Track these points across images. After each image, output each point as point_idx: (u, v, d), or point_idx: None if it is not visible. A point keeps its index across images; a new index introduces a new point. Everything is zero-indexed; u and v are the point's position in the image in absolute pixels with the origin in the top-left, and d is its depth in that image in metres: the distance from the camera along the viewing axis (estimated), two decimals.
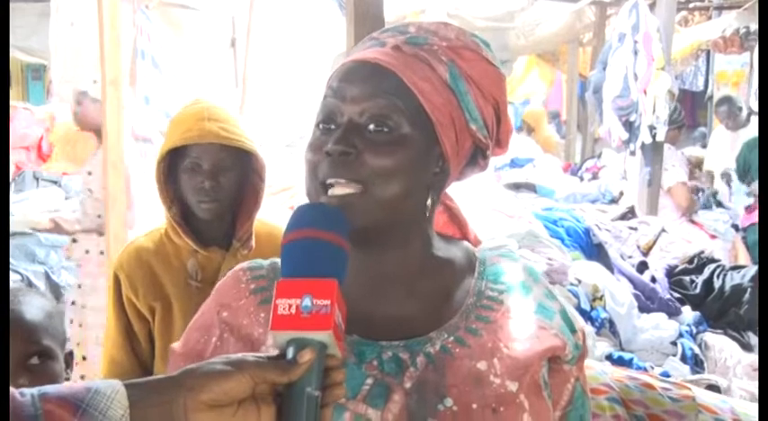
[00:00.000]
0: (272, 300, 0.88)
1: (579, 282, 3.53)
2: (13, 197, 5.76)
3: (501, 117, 1.12)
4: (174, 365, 1.10)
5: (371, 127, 1.03)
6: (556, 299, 1.15)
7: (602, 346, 3.35)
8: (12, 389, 0.78)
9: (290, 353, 0.86)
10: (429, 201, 1.08)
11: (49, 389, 0.79)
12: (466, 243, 1.19)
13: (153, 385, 0.84)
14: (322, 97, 1.08)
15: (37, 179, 6.17)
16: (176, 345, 1.16)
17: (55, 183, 6.09)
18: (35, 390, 0.78)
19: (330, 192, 1.02)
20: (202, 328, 1.14)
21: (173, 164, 2.08)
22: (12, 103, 7.75)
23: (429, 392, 1.03)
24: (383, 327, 1.07)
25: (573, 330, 1.13)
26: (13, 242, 4.82)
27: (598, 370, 1.98)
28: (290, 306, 0.87)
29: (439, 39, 1.08)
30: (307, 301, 0.86)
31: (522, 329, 1.09)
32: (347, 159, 1.01)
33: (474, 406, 1.02)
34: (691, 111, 11.27)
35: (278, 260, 1.15)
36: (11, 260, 4.66)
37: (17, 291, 1.61)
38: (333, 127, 1.05)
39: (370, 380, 1.03)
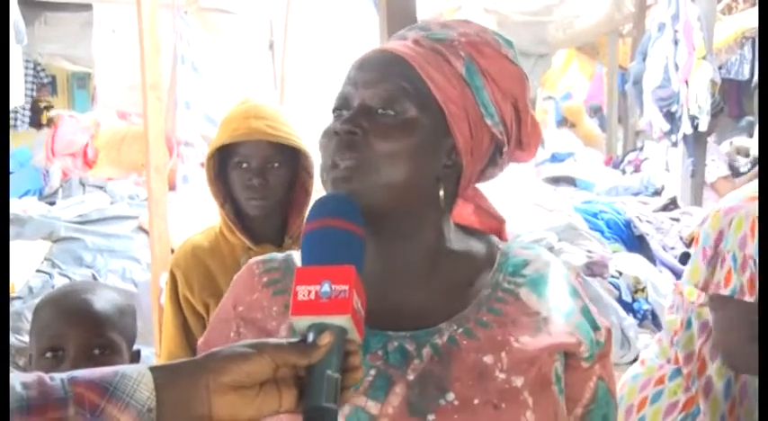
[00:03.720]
0: (284, 292, 0.90)
1: (620, 274, 3.51)
2: (60, 203, 5.89)
3: (522, 116, 1.12)
4: None
5: (380, 110, 1.04)
6: (578, 296, 1.13)
7: (644, 338, 3.32)
8: (41, 374, 0.80)
9: (311, 336, 0.88)
10: (441, 193, 1.08)
11: (78, 373, 0.82)
12: (491, 236, 1.18)
13: (177, 368, 0.86)
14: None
15: (83, 185, 6.28)
16: (200, 341, 1.20)
17: (101, 188, 6.20)
18: (65, 375, 0.81)
19: (335, 171, 1.04)
20: (221, 322, 1.16)
21: (223, 162, 2.13)
22: (58, 111, 7.92)
23: (431, 385, 1.03)
24: (391, 317, 1.07)
25: (595, 328, 1.11)
26: (60, 246, 4.93)
27: None
28: (310, 292, 0.89)
29: (458, 34, 1.09)
30: (326, 287, 0.89)
31: (534, 324, 1.07)
32: (353, 139, 1.03)
33: (476, 401, 1.02)
34: (737, 101, 11.07)
35: (292, 253, 1.18)
36: (60, 264, 4.77)
37: (94, 284, 1.64)
38: (345, 112, 1.07)
39: (373, 371, 1.04)
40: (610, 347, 1.15)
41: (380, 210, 1.04)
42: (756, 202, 1.75)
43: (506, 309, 1.08)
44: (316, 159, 2.20)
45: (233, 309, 1.15)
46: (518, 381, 1.03)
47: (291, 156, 2.12)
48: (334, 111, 1.08)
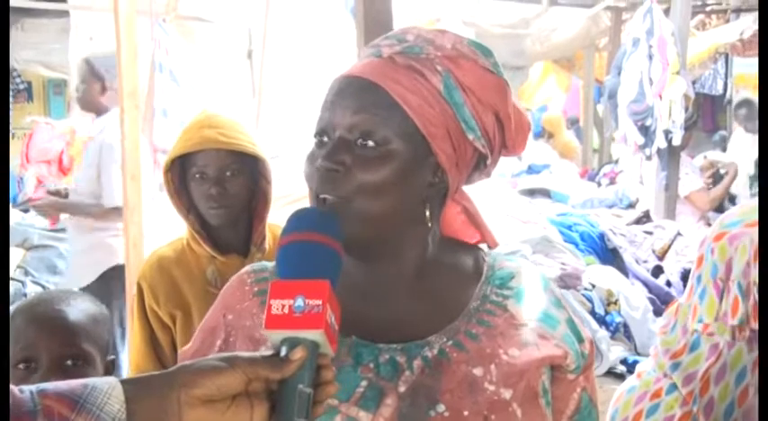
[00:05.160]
0: None
1: (593, 286, 3.52)
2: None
3: (504, 123, 1.12)
4: None
5: (359, 142, 1.05)
6: (563, 307, 1.15)
7: (616, 350, 3.34)
8: (12, 387, 0.80)
9: (283, 350, 0.89)
10: (428, 213, 1.09)
11: (48, 385, 0.82)
12: (477, 249, 1.19)
13: (148, 381, 0.86)
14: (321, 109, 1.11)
15: None
16: (186, 347, 1.20)
17: None
18: (34, 387, 0.81)
19: (321, 207, 1.05)
20: (208, 330, 1.17)
21: (184, 173, 2.13)
22: (34, 117, 7.85)
23: (422, 397, 1.04)
24: (382, 330, 1.08)
25: (580, 340, 1.13)
26: (34, 254, 4.89)
27: None
28: (284, 306, 0.90)
29: (434, 48, 1.09)
30: (299, 301, 0.89)
31: (522, 337, 1.09)
32: (336, 175, 1.04)
33: (465, 412, 1.03)
34: (710, 115, 11.20)
35: None
36: (32, 272, 4.73)
37: (68, 293, 1.63)
38: (326, 139, 1.07)
39: (364, 383, 1.05)
40: (593, 358, 1.17)
41: (369, 238, 1.06)
42: (757, 228, 1.75)
43: (495, 321, 1.10)
44: (274, 166, 2.22)
45: (222, 318, 1.16)
46: (507, 394, 1.05)
47: (249, 165, 2.13)
48: (315, 136, 1.09)
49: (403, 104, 1.05)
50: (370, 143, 1.04)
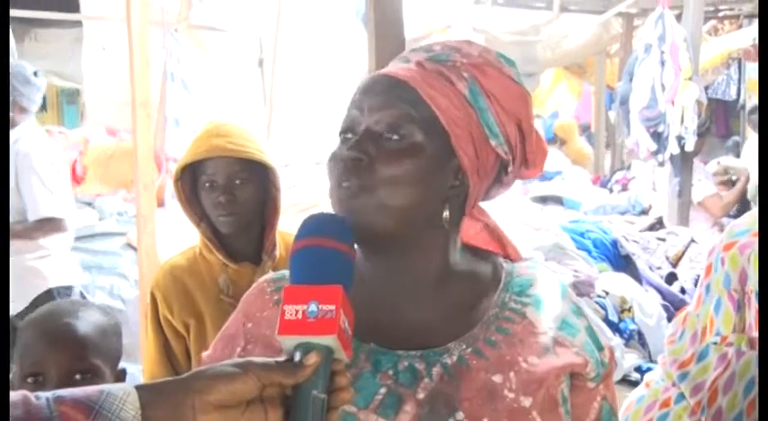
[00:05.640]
0: None
1: (607, 293, 3.51)
2: None
3: (526, 135, 1.13)
4: None
5: (385, 134, 1.05)
6: (583, 315, 1.14)
7: (630, 358, 3.33)
8: (27, 393, 0.81)
9: (297, 356, 0.89)
10: (446, 214, 1.08)
11: (64, 392, 0.82)
12: (495, 256, 1.19)
13: (163, 387, 0.86)
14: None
15: None
16: (205, 355, 1.20)
17: (89, 204, 6.18)
18: (50, 394, 0.81)
19: (339, 190, 1.05)
20: (228, 338, 1.17)
21: (195, 182, 2.15)
22: (47, 127, 7.90)
23: (441, 404, 1.03)
24: (400, 336, 1.08)
25: (600, 348, 1.13)
26: None
27: None
28: (297, 311, 0.90)
29: (461, 55, 1.10)
30: (312, 307, 0.89)
31: (542, 344, 1.08)
32: (359, 165, 1.04)
33: (485, 420, 1.03)
34: (724, 121, 11.15)
35: None
36: None
37: (78, 304, 1.62)
38: (350, 136, 1.08)
39: (383, 390, 1.04)
40: (612, 366, 1.16)
41: (387, 233, 1.05)
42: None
43: (514, 329, 1.09)
44: (282, 174, 2.23)
45: (242, 326, 1.16)
46: (526, 402, 1.04)
47: (258, 173, 2.14)
48: (340, 135, 1.10)
49: (430, 102, 1.06)
50: (396, 136, 1.05)
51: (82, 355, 1.49)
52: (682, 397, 1.90)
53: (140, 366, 3.69)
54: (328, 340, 0.89)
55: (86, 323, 1.54)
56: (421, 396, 1.04)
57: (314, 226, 0.99)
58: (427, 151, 1.05)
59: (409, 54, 1.14)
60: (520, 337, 1.08)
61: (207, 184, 2.10)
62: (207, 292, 2.14)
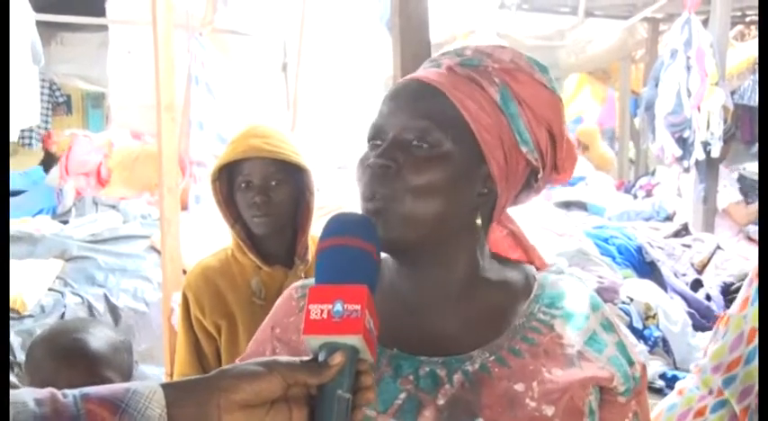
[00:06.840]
0: None
1: (631, 300, 3.48)
2: (73, 222, 5.92)
3: (557, 141, 1.12)
4: None
5: (414, 142, 1.04)
6: (614, 331, 1.13)
7: (655, 365, 3.29)
8: (54, 391, 0.81)
9: (322, 356, 0.89)
10: (479, 221, 1.08)
11: (90, 390, 0.82)
12: (527, 266, 1.18)
13: (189, 386, 0.87)
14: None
15: (96, 204, 6.32)
16: (238, 359, 1.20)
17: (113, 207, 6.23)
18: (77, 391, 0.82)
19: (370, 202, 1.04)
20: (258, 343, 1.18)
21: (231, 184, 2.16)
22: (72, 131, 7.98)
23: (461, 411, 1.02)
24: (424, 343, 1.08)
25: (630, 362, 1.12)
26: (73, 265, 4.95)
27: None
28: (322, 311, 0.89)
29: (492, 61, 1.09)
30: (338, 306, 0.89)
31: (567, 357, 1.07)
32: (387, 172, 1.03)
33: None
34: (749, 127, 11.03)
35: None
36: (72, 283, 4.78)
37: (87, 322, 1.64)
38: (379, 142, 1.07)
39: (403, 395, 1.04)
40: (645, 383, 1.15)
41: (415, 243, 1.04)
42: None
43: (540, 339, 1.08)
44: (315, 176, 2.24)
45: (271, 331, 1.17)
46: (549, 411, 1.03)
47: (293, 175, 2.14)
48: (369, 141, 1.09)
49: (461, 108, 1.05)
50: (424, 144, 1.04)
51: (94, 371, 1.50)
52: (719, 405, 1.86)
53: (164, 369, 3.71)
54: (354, 340, 0.89)
55: (97, 339, 1.55)
56: (441, 402, 1.03)
57: (339, 225, 0.99)
58: (456, 159, 1.04)
59: (440, 58, 1.13)
60: (545, 348, 1.07)
61: (243, 185, 2.12)
62: (239, 294, 2.15)
